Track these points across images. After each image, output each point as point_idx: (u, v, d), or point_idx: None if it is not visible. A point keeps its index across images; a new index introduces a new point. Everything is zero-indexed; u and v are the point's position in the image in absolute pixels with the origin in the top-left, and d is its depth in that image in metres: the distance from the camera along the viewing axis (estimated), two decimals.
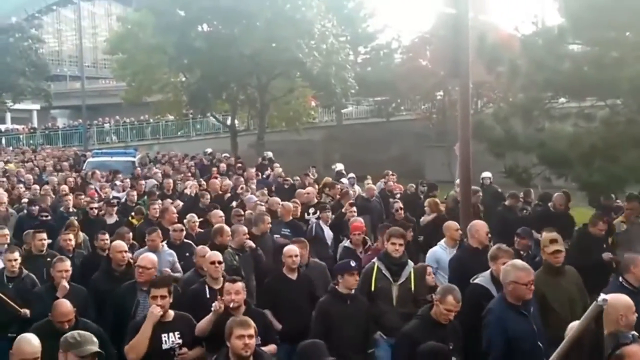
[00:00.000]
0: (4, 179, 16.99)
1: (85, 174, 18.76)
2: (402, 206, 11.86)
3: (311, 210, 12.04)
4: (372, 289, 7.12)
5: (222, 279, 6.92)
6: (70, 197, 13.00)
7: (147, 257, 7.13)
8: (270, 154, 26.49)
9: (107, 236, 8.92)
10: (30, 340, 4.74)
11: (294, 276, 7.56)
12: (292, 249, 7.70)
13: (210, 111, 34.19)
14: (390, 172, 17.04)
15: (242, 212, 11.03)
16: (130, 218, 11.95)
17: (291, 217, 11.06)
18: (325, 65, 27.59)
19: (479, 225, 7.90)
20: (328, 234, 10.82)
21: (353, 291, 6.68)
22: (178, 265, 8.82)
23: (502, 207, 12.65)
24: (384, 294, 7.13)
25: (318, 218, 11.21)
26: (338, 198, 13.44)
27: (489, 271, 6.53)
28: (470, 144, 11.04)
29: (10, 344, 5.11)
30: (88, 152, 29.16)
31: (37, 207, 12.05)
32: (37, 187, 15.50)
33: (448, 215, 11.34)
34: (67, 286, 7.08)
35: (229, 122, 34.54)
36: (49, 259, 8.06)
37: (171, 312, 5.92)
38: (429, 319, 5.85)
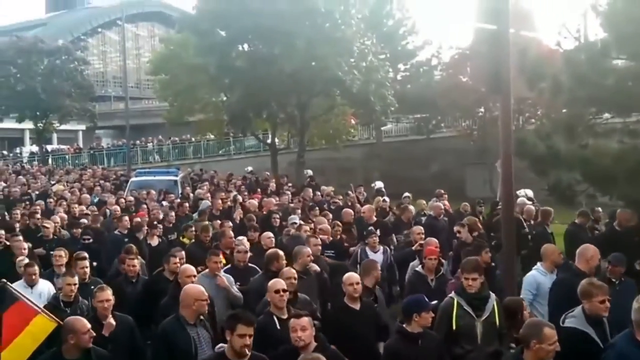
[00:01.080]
0: (62, 200, 16.81)
1: (131, 193, 18.67)
2: (460, 229, 10.96)
3: (371, 229, 11.37)
4: (454, 327, 6.45)
5: (286, 308, 6.47)
6: (127, 218, 12.48)
7: (201, 289, 6.42)
8: (310, 172, 26.57)
9: (177, 259, 8.59)
10: None
11: (357, 306, 7.02)
12: (352, 276, 7.18)
13: (250, 130, 34.48)
14: (442, 191, 16.58)
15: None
16: (181, 238, 11.74)
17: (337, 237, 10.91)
18: (365, 83, 27.58)
19: (593, 251, 7.36)
20: (377, 260, 9.61)
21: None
22: (236, 289, 8.18)
23: (572, 225, 11.82)
24: (467, 332, 6.45)
25: (365, 243, 10.62)
26: (398, 214, 13.15)
27: (580, 309, 5.85)
28: (513, 161, 10.90)
29: None
30: (132, 171, 29.60)
31: (79, 230, 11.94)
32: (84, 208, 15.48)
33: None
34: (114, 323, 6.62)
35: (269, 140, 34.80)
36: (92, 287, 7.73)
37: (248, 354, 5.30)
38: None
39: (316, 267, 8.38)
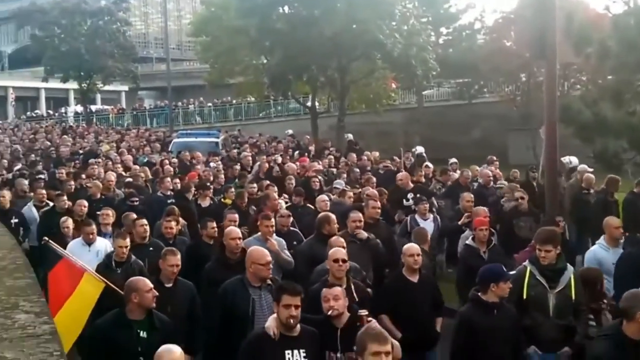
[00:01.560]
0: (101, 160, 16.81)
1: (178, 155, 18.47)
2: (524, 195, 10.40)
3: (410, 196, 11.28)
4: (524, 296, 6.24)
5: (345, 278, 6.23)
6: (169, 179, 12.43)
7: (264, 252, 6.30)
8: (350, 136, 26.52)
9: (214, 223, 8.51)
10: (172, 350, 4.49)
11: (415, 278, 6.83)
12: (413, 247, 6.99)
13: (290, 93, 34.47)
14: (494, 158, 15.84)
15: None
16: (222, 199, 11.57)
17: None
18: (406, 46, 27.22)
19: None
20: (427, 229, 9.41)
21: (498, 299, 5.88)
22: (288, 253, 8.02)
23: (630, 194, 11.39)
24: (539, 303, 6.21)
25: (414, 211, 10.25)
26: (450, 184, 12.46)
27: None
28: (557, 127, 10.73)
29: None
30: (174, 133, 29.94)
31: (130, 190, 11.79)
32: (137, 167, 15.25)
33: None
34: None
35: (309, 103, 34.76)
36: (151, 249, 8.01)
37: (298, 326, 5.12)
38: (621, 338, 4.84)
39: (364, 234, 7.97)
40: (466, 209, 9.87)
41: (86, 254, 8.06)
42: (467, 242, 8.34)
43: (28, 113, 57.75)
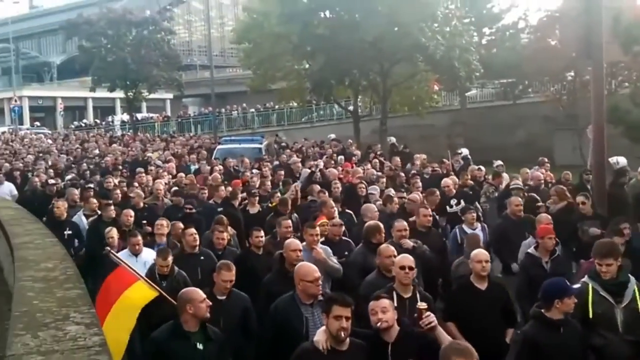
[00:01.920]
0: (152, 168, 16.68)
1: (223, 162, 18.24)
2: (585, 200, 9.78)
3: (453, 202, 10.94)
4: (590, 315, 5.82)
5: (412, 287, 6.07)
6: (223, 187, 12.18)
7: (312, 269, 6.00)
8: (393, 139, 26.42)
9: (262, 232, 8.23)
10: None
11: (483, 285, 6.47)
12: (481, 253, 6.63)
13: (332, 97, 34.54)
14: (545, 159, 15.26)
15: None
16: (269, 204, 11.33)
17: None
18: (449, 48, 27.04)
19: None
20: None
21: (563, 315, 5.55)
22: (335, 261, 7.67)
23: None
24: (607, 320, 5.80)
25: (460, 218, 9.73)
26: (502, 189, 11.75)
27: None
28: (605, 127, 10.55)
29: None
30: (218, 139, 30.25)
31: (178, 199, 11.59)
32: (183, 175, 15.01)
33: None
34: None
35: (351, 107, 34.78)
36: (202, 258, 7.90)
37: (347, 339, 4.86)
38: None
39: (409, 243, 7.68)
40: (515, 213, 9.54)
41: (133, 265, 7.67)
42: (529, 250, 7.90)
43: (76, 122, 59.11)
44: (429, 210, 9.07)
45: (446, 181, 12.02)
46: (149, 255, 8.29)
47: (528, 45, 36.53)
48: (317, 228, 7.88)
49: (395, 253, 6.65)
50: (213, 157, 19.86)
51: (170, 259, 7.31)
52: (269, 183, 13.25)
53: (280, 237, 8.32)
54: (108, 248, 6.69)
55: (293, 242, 7.17)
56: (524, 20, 39.91)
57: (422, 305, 5.27)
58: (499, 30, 40.56)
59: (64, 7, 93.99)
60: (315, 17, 29.66)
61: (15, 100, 51.83)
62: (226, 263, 6.56)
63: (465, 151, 19.87)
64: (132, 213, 9.84)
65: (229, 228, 9.32)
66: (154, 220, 9.54)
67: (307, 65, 34.33)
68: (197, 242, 8.07)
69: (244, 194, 12.05)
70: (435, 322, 5.11)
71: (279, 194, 11.64)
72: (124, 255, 7.87)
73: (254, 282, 7.14)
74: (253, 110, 45.46)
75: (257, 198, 11.63)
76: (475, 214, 9.60)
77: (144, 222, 10.03)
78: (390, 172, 15.11)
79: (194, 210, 10.62)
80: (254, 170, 16.22)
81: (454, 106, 41.84)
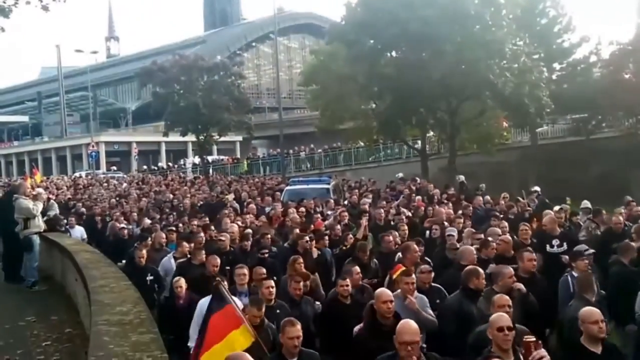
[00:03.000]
0: (226, 211, 16.05)
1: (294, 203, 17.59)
2: None
3: (555, 242, 10.01)
4: None
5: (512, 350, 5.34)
6: (297, 230, 11.56)
7: (412, 329, 5.41)
8: (462, 178, 26.09)
9: (348, 282, 7.62)
10: None
11: (598, 349, 5.70)
12: (595, 312, 5.78)
13: (400, 136, 34.50)
14: (630, 199, 14.52)
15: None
16: (343, 247, 10.82)
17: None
18: (518, 85, 26.74)
19: None
20: None
21: None
22: (430, 312, 7.25)
23: None
24: None
25: (569, 265, 8.60)
26: (605, 229, 10.80)
27: None
28: None
29: None
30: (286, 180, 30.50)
31: (248, 242, 10.98)
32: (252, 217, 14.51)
33: None
34: None
35: (418, 145, 34.65)
36: (278, 311, 7.20)
37: None
38: None
39: (521, 287, 7.05)
40: (632, 261, 8.46)
41: None
42: None
43: (150, 166, 60.88)
44: (534, 254, 8.23)
45: (549, 219, 10.75)
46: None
47: (600, 79, 35.79)
48: (414, 275, 7.33)
49: (510, 303, 6.04)
50: (282, 198, 19.91)
51: (263, 309, 6.80)
52: (339, 226, 12.65)
53: (352, 285, 7.77)
54: (219, 279, 6.41)
55: (384, 292, 6.54)
56: (596, 54, 39.13)
57: (529, 338, 4.86)
58: (569, 65, 39.81)
59: (138, 54, 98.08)
60: (382, 57, 29.93)
61: (93, 146, 53.82)
62: (290, 320, 6.11)
63: (536, 188, 19.40)
64: (217, 262, 9.24)
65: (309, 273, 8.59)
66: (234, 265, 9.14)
67: (374, 105, 34.50)
68: (273, 295, 7.49)
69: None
70: (548, 357, 4.74)
71: (351, 236, 11.13)
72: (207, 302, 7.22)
73: (342, 333, 6.82)
74: (320, 150, 45.83)
75: (327, 241, 11.14)
76: (587, 261, 8.33)
77: (227, 267, 9.64)
78: (470, 212, 14.34)
79: (267, 254, 10.11)
80: (329, 212, 15.85)
81: (524, 142, 41.12)
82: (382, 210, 14.30)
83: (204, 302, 7.21)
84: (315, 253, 10.59)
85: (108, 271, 8.61)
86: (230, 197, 20.89)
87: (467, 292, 7.00)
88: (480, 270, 7.20)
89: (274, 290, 7.51)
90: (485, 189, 20.82)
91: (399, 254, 9.22)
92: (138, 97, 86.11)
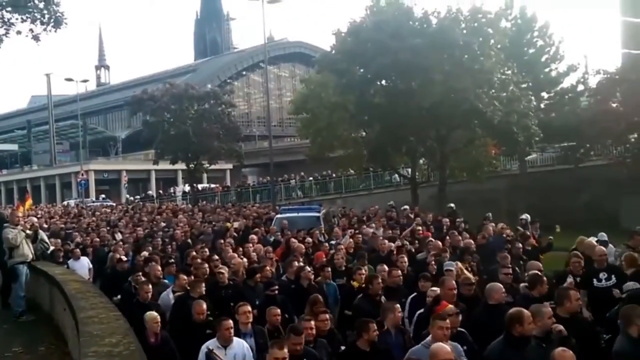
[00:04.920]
0: (231, 240, 15.55)
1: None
2: None
3: (603, 276, 9.15)
4: None
5: None
6: (296, 262, 10.91)
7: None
8: (452, 205, 26.13)
9: (375, 326, 6.86)
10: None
11: None
12: None
13: (390, 164, 34.60)
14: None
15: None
16: (352, 281, 10.13)
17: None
18: (506, 113, 26.96)
19: None
20: None
21: None
22: None
23: None
24: None
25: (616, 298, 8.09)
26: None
27: None
28: None
29: None
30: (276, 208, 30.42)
31: (257, 278, 10.14)
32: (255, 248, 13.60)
33: None
34: None
35: (407, 173, 34.75)
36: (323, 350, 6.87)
37: None
38: None
39: (562, 328, 6.34)
40: None
41: (222, 358, 6.86)
42: None
43: (138, 196, 60.67)
44: (578, 292, 7.47)
45: (600, 250, 9.72)
46: (239, 347, 7.06)
47: (588, 108, 36.11)
48: (448, 320, 6.41)
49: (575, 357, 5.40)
50: (272, 226, 19.71)
51: (286, 350, 6.05)
52: (341, 257, 11.83)
53: (393, 325, 7.26)
54: (210, 347, 6.09)
55: (442, 349, 5.49)
56: (583, 83, 39.58)
57: None
58: (557, 94, 40.22)
59: (129, 83, 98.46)
60: (372, 86, 30.12)
61: (82, 174, 53.66)
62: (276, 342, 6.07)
63: (526, 216, 19.48)
64: (203, 307, 8.28)
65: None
66: (237, 301, 8.70)
67: (364, 133, 34.65)
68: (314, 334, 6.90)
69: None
70: None
71: (362, 270, 10.23)
72: (212, 346, 6.89)
73: None
74: (311, 178, 45.87)
75: (330, 273, 10.58)
76: None
77: (232, 304, 8.93)
78: (483, 240, 13.89)
79: (276, 292, 9.22)
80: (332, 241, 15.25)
81: (513, 170, 41.31)
82: (385, 241, 13.57)
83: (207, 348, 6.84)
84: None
85: (97, 302, 8.51)
86: (236, 224, 20.34)
87: (510, 339, 6.08)
88: (526, 313, 6.16)
89: (301, 347, 6.58)
90: (464, 214, 20.78)
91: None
92: (128, 125, 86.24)
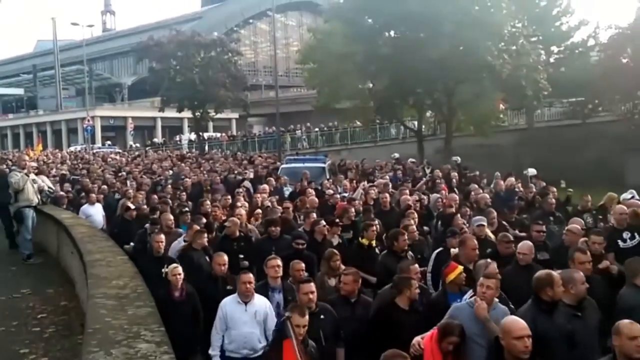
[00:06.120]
0: (241, 190, 14.91)
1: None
2: None
3: (626, 235, 8.70)
4: None
5: None
6: (314, 214, 10.50)
7: (521, 325, 4.89)
8: (458, 159, 26.08)
9: (415, 285, 6.49)
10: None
11: None
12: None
13: (397, 117, 34.45)
14: None
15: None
16: (360, 239, 9.37)
17: None
18: (515, 67, 26.68)
19: None
20: None
21: None
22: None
23: None
24: None
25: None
26: None
27: None
28: None
29: None
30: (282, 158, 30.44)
31: (276, 229, 9.54)
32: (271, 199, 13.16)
33: None
34: None
35: (412, 125, 34.66)
36: (322, 317, 6.22)
37: None
38: None
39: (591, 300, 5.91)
40: None
41: (241, 314, 6.59)
42: None
43: (145, 142, 60.75)
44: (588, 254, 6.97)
45: (621, 208, 9.33)
46: (261, 303, 6.73)
47: (598, 63, 35.75)
48: (494, 280, 5.90)
49: None
50: (283, 177, 19.01)
51: (307, 317, 5.60)
52: (353, 211, 11.28)
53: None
54: (288, 314, 5.47)
55: (517, 323, 4.91)
56: (594, 38, 39.07)
57: None
58: (567, 49, 39.77)
59: (135, 29, 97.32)
60: (380, 37, 29.78)
61: (89, 120, 53.62)
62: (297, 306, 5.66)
63: (532, 171, 19.42)
64: (224, 259, 7.79)
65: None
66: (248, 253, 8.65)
67: (371, 85, 34.41)
68: (315, 299, 6.26)
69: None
70: None
71: (375, 226, 9.51)
72: (232, 302, 6.66)
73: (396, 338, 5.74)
74: (317, 129, 45.77)
75: (339, 229, 10.03)
76: None
77: (241, 256, 8.85)
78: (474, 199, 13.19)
79: (303, 245, 8.74)
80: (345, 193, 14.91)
81: (520, 125, 41.12)
82: (387, 195, 12.90)
83: (226, 304, 6.65)
84: (335, 241, 9.60)
85: (104, 245, 8.64)
86: (250, 174, 19.94)
87: (540, 304, 5.66)
88: (557, 276, 5.74)
89: (314, 295, 6.25)
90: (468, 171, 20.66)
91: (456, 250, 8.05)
92: (134, 72, 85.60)
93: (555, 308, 5.62)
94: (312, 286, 6.28)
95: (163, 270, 7.82)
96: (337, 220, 10.28)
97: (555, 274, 5.81)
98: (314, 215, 10.61)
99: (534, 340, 4.88)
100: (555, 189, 14.45)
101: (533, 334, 4.97)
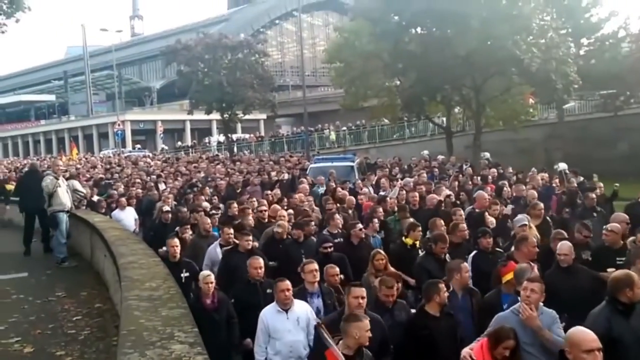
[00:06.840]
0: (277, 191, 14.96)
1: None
2: None
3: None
4: None
5: None
6: (338, 216, 10.49)
7: (591, 337, 4.55)
8: (487, 155, 25.88)
9: (444, 286, 6.40)
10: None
11: None
12: None
13: (424, 114, 34.26)
14: None
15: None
16: (403, 238, 9.34)
17: None
18: (545, 60, 26.28)
19: None
20: None
21: None
22: (560, 330, 5.63)
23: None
24: None
25: None
26: None
27: None
28: None
29: None
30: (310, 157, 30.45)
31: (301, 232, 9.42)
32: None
33: None
34: None
35: (441, 121, 34.40)
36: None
37: None
38: None
39: None
40: None
41: (284, 322, 6.38)
42: None
43: (175, 145, 61.27)
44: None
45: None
46: (301, 310, 6.49)
47: (630, 54, 35.14)
48: (538, 283, 5.64)
49: None
50: (318, 177, 18.63)
51: (367, 321, 5.32)
52: (380, 210, 11.23)
53: (460, 287, 6.82)
54: (320, 321, 5.44)
55: (587, 335, 4.54)
56: (624, 29, 38.37)
57: None
58: (597, 40, 39.08)
59: (162, 33, 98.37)
60: (406, 34, 29.59)
61: (119, 125, 54.24)
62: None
63: (563, 165, 19.15)
64: (260, 262, 7.61)
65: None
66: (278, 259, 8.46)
67: (398, 82, 34.28)
68: (364, 306, 6.03)
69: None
70: None
71: (419, 227, 9.34)
72: (271, 311, 6.45)
73: (431, 347, 5.92)
74: (345, 128, 45.75)
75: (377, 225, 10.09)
76: None
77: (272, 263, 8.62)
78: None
79: (331, 249, 8.59)
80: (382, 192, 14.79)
81: (550, 119, 40.61)
82: (416, 194, 12.83)
83: (266, 314, 6.45)
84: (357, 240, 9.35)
85: (137, 248, 8.70)
86: (286, 176, 20.04)
87: (617, 305, 5.32)
88: (636, 276, 5.39)
89: (364, 301, 6.04)
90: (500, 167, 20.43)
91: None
92: (162, 75, 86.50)
93: (633, 310, 5.29)
94: (363, 291, 6.06)
95: (182, 275, 7.81)
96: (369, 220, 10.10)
97: (634, 274, 5.48)
98: (338, 216, 10.45)
99: (608, 342, 4.66)
100: (602, 184, 14.26)
101: (607, 336, 4.77)
